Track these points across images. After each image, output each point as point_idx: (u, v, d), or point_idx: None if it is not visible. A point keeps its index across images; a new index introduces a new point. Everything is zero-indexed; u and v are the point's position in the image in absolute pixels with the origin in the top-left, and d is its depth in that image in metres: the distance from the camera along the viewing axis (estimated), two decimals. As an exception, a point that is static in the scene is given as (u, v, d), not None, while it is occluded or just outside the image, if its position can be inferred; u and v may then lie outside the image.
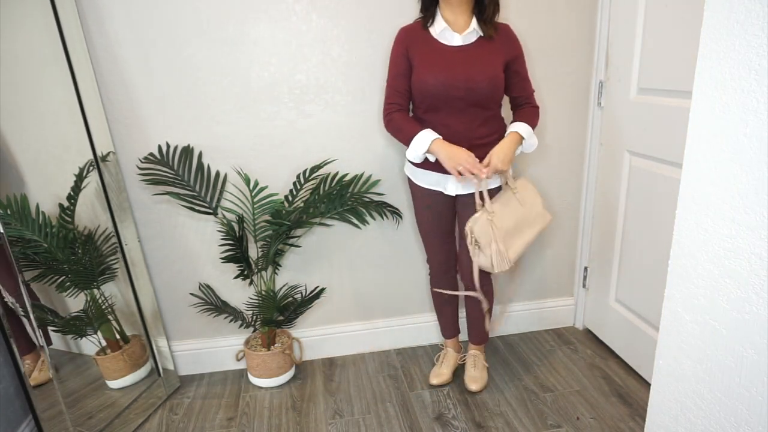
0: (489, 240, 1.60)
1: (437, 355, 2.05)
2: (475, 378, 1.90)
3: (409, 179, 1.76)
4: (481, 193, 1.60)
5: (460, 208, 1.73)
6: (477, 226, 1.58)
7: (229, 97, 1.80)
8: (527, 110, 1.67)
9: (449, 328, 1.99)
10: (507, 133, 1.63)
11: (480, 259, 1.62)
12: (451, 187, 1.67)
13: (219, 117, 1.81)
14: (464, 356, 2.01)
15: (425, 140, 1.56)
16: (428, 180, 1.69)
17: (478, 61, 1.54)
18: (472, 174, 1.53)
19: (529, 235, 1.70)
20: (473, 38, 1.56)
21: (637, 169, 1.83)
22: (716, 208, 0.89)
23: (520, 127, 1.61)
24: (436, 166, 1.65)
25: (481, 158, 1.60)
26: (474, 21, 1.54)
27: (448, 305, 1.94)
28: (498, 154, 1.57)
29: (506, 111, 1.80)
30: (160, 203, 1.87)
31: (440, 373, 1.95)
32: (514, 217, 1.66)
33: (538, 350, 2.15)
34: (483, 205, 1.60)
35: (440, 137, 1.57)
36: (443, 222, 1.75)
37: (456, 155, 1.53)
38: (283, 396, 1.93)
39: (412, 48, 1.58)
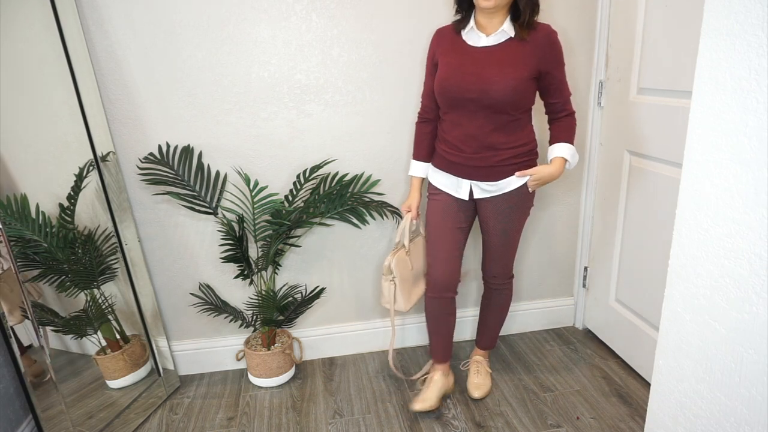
0: (405, 278, 1.72)
1: (422, 377, 1.91)
2: (478, 385, 1.87)
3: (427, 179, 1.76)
4: (404, 230, 1.72)
5: (481, 211, 1.68)
6: (395, 261, 1.69)
7: (229, 97, 1.80)
8: (565, 122, 1.60)
9: (441, 351, 1.80)
10: (551, 157, 1.59)
11: (399, 300, 1.73)
12: (462, 192, 1.64)
13: (219, 117, 1.81)
14: (467, 362, 2.00)
15: (411, 169, 1.76)
16: (443, 181, 1.67)
17: (500, 63, 1.47)
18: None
19: (420, 291, 1.82)
20: (502, 39, 1.48)
21: (637, 169, 1.83)
22: (716, 208, 0.89)
23: (565, 151, 1.57)
24: (452, 168, 1.63)
25: (500, 163, 1.56)
26: (507, 22, 1.47)
27: (445, 325, 1.77)
28: (542, 174, 1.57)
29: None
30: (160, 203, 1.87)
31: (426, 398, 1.74)
32: (418, 264, 1.78)
33: (538, 350, 2.15)
34: (403, 244, 1.72)
35: (419, 177, 1.74)
36: (453, 228, 1.67)
37: (408, 198, 1.77)
38: (283, 396, 1.93)
39: (439, 49, 1.58)
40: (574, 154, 1.58)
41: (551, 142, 1.61)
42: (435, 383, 1.78)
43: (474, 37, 1.51)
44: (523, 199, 1.62)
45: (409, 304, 1.77)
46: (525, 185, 1.60)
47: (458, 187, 1.64)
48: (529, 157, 1.60)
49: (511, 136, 1.55)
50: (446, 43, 1.57)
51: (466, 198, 1.64)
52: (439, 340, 1.79)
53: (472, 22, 1.51)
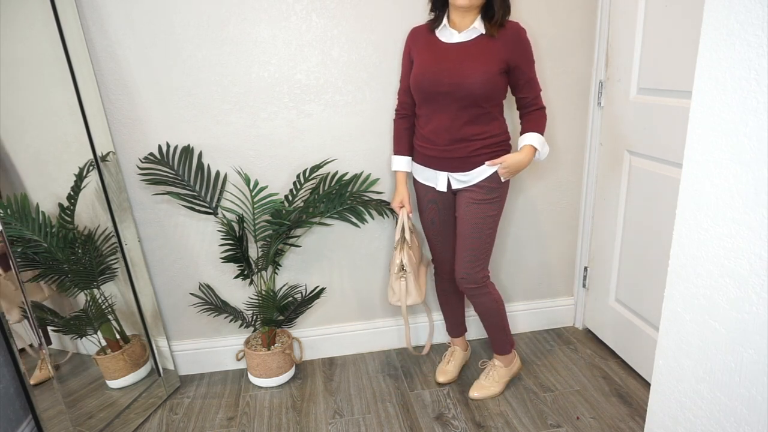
0: (414, 271, 1.76)
1: (444, 353, 2.04)
2: (480, 386, 1.86)
3: (413, 176, 1.81)
4: (404, 225, 1.75)
5: (457, 202, 1.72)
6: (406, 258, 1.73)
7: (229, 97, 1.80)
8: (535, 115, 1.65)
9: (455, 328, 2.00)
10: (521, 145, 1.64)
11: (412, 293, 1.77)
12: (440, 184, 1.70)
13: (219, 117, 1.81)
14: (485, 361, 2.01)
15: (394, 164, 1.79)
16: (424, 176, 1.74)
17: (472, 58, 1.53)
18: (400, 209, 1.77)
19: (423, 276, 1.86)
20: (473, 35, 1.55)
21: (637, 169, 1.83)
22: (716, 208, 0.89)
23: (534, 140, 1.62)
24: (429, 162, 1.69)
25: (472, 154, 1.61)
26: (478, 20, 1.53)
27: (455, 305, 1.95)
28: (511, 162, 1.61)
29: (509, 111, 1.80)
30: (160, 203, 1.87)
31: (446, 371, 1.95)
32: (417, 254, 1.82)
33: (538, 350, 2.15)
34: (405, 238, 1.74)
35: (404, 171, 1.77)
36: (443, 220, 1.77)
37: (395, 194, 1.80)
38: (283, 396, 1.93)
39: (414, 47, 1.65)
40: (543, 143, 1.64)
41: (521, 134, 1.67)
42: (456, 356, 1.99)
43: (447, 34, 1.58)
44: (495, 189, 1.66)
45: (422, 293, 1.81)
46: (497, 175, 1.64)
47: (436, 180, 1.71)
48: (500, 148, 1.65)
49: (482, 127, 1.61)
50: (421, 41, 1.63)
51: (445, 189, 1.70)
52: (453, 320, 1.99)
53: (445, 21, 1.57)
